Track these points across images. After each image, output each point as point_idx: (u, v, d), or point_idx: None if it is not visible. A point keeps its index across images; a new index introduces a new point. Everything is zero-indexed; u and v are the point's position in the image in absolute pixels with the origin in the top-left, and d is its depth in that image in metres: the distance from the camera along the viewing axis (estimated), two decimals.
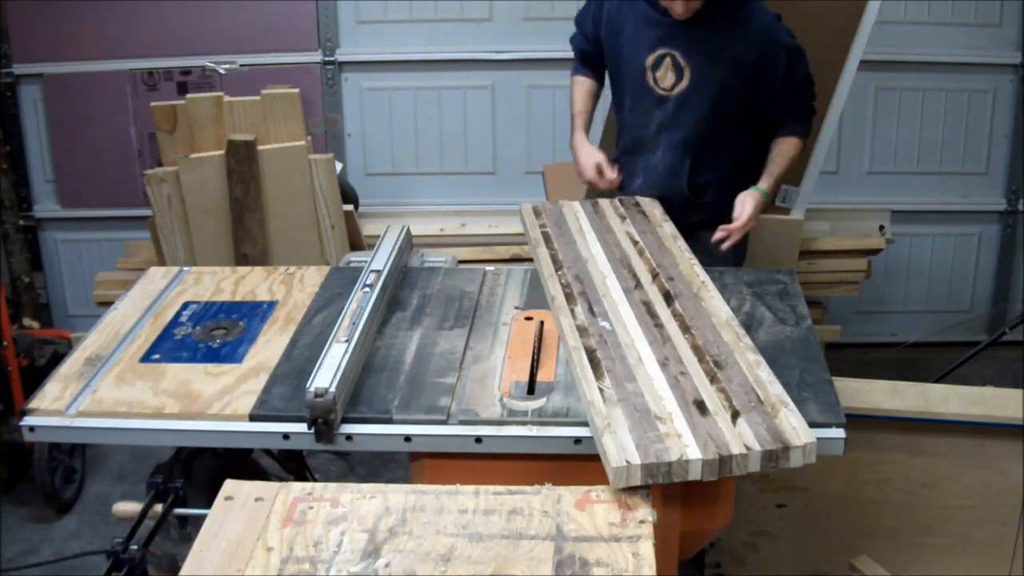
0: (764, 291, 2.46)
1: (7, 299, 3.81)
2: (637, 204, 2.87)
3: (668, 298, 2.32)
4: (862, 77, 3.78)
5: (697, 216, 2.99)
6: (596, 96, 3.20)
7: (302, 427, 2.01)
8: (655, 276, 2.42)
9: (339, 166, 3.88)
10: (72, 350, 2.34)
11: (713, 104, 2.91)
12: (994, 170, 4.52)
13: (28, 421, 2.11)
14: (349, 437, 2.03)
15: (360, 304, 2.30)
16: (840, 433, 1.95)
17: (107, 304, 2.91)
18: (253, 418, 2.06)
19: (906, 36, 4.30)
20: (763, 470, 1.83)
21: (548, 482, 1.83)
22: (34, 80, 4.39)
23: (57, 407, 2.11)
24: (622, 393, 1.98)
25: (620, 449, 1.82)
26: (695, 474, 1.80)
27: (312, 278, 2.64)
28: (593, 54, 3.13)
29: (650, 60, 2.93)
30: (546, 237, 2.67)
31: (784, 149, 3.00)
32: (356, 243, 3.76)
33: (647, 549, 1.66)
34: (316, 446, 2.03)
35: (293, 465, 2.79)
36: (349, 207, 3.75)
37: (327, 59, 4.37)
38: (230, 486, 1.84)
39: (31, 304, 4.47)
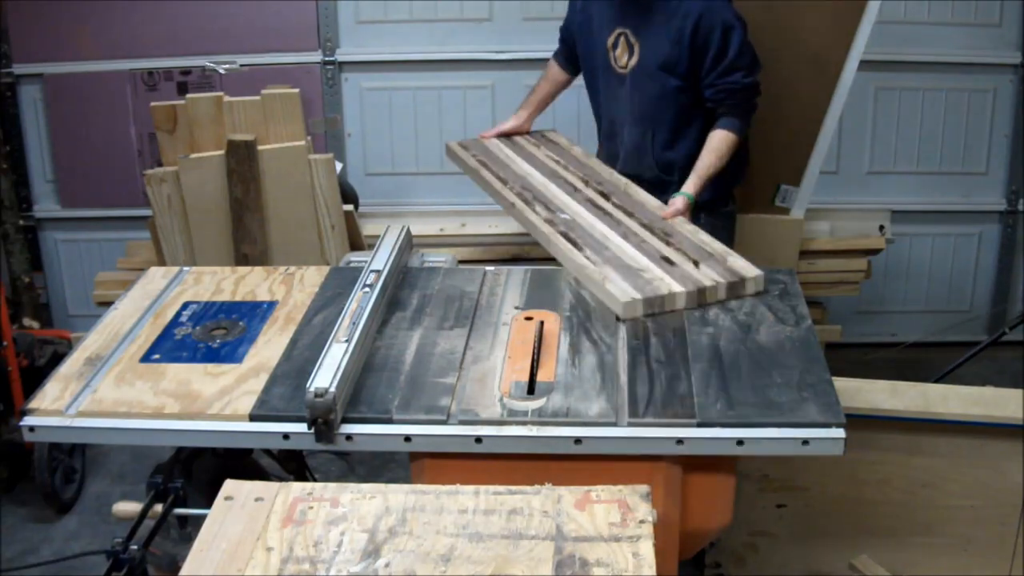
0: (764, 291, 2.45)
1: (7, 299, 3.81)
2: (544, 135, 3.38)
3: (605, 196, 2.82)
4: (862, 77, 3.77)
5: (667, 195, 3.01)
6: (558, 85, 3.44)
7: (302, 427, 2.01)
8: (586, 183, 2.93)
9: (339, 166, 3.88)
10: (72, 350, 2.34)
11: (659, 79, 3.00)
12: (994, 170, 4.52)
13: (28, 421, 2.11)
14: (349, 437, 2.03)
15: (360, 304, 2.30)
16: (840, 433, 1.95)
17: (107, 304, 2.91)
18: (253, 418, 2.06)
19: (906, 36, 4.30)
20: (728, 297, 2.36)
21: (548, 482, 1.83)
22: (34, 80, 4.39)
23: (57, 407, 2.11)
24: (604, 258, 2.48)
25: (623, 291, 2.32)
26: (681, 303, 2.32)
27: (312, 278, 2.64)
28: (568, 48, 3.35)
29: (610, 40, 3.08)
30: (482, 164, 3.15)
31: (714, 144, 3.00)
32: (356, 243, 3.76)
33: (647, 549, 1.66)
34: (316, 446, 2.03)
35: (293, 465, 2.79)
36: (349, 207, 3.75)
37: (327, 59, 4.37)
38: (230, 486, 1.84)
39: (31, 304, 4.48)
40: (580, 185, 2.93)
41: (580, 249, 2.54)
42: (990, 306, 4.68)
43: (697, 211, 3.06)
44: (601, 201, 2.81)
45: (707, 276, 2.38)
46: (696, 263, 2.44)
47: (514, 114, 3.52)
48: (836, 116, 3.62)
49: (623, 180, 2.93)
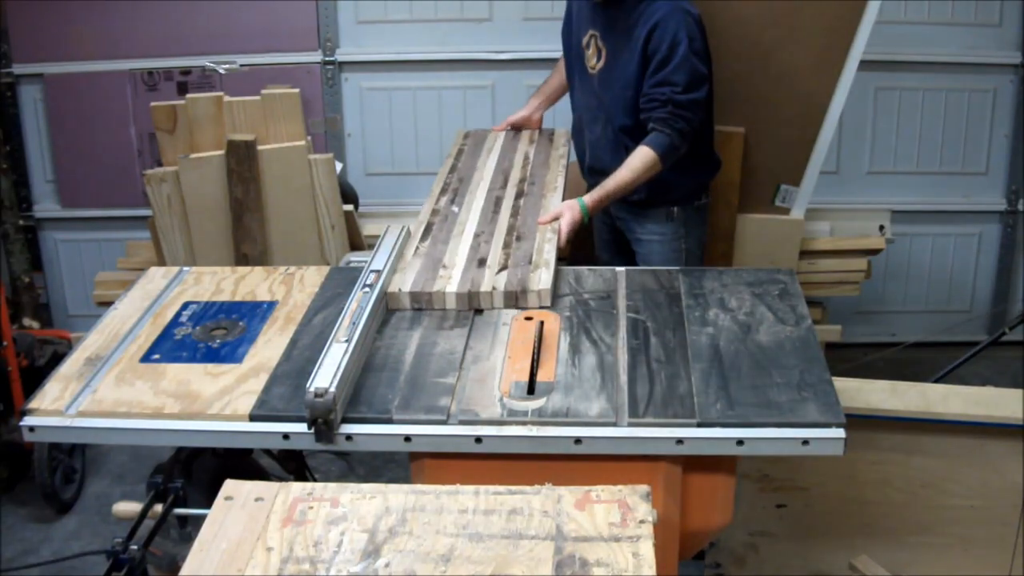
0: (764, 291, 2.45)
1: (7, 299, 3.81)
2: (551, 134, 3.43)
3: (519, 196, 2.92)
4: (862, 77, 3.77)
5: (638, 194, 3.04)
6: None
7: (302, 427, 2.01)
8: (522, 181, 3.04)
9: (339, 166, 3.88)
10: (72, 350, 2.34)
11: (623, 84, 3.00)
12: (994, 170, 4.52)
13: (28, 421, 2.11)
14: (349, 437, 2.03)
15: (360, 304, 2.30)
16: (840, 433, 1.95)
17: (107, 304, 2.91)
18: (253, 418, 2.06)
19: (906, 36, 4.30)
20: (506, 306, 2.38)
21: (548, 482, 1.83)
22: (34, 80, 4.39)
23: (57, 407, 2.11)
24: (431, 250, 2.60)
25: (400, 282, 2.44)
26: (451, 303, 2.39)
27: (312, 278, 2.64)
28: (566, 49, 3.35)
29: (585, 39, 3.11)
30: (459, 153, 3.32)
31: (631, 161, 2.89)
32: (356, 243, 3.76)
33: (647, 549, 1.66)
34: (316, 446, 2.03)
35: (293, 465, 2.79)
36: (349, 207, 3.75)
37: (327, 59, 4.37)
38: (230, 486, 1.84)
39: (31, 304, 4.47)
40: (513, 183, 3.03)
41: (422, 240, 2.67)
42: (990, 306, 4.68)
43: (670, 204, 3.13)
44: (506, 201, 2.90)
45: (494, 282, 2.42)
46: (503, 269, 2.48)
47: (526, 103, 3.55)
48: (836, 116, 3.62)
49: (555, 185, 2.99)
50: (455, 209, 2.86)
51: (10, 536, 3.58)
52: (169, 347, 2.32)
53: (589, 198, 2.90)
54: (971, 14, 4.31)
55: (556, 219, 2.78)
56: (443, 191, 3.01)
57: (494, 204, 2.89)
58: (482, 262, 2.53)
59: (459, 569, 1.63)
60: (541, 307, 2.37)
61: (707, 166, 3.23)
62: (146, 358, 2.27)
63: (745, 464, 2.86)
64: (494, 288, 2.39)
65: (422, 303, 2.39)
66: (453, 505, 1.76)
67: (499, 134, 3.46)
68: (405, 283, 2.43)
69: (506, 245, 2.62)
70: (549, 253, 2.57)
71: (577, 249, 3.45)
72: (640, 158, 2.89)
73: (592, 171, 3.20)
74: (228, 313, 2.47)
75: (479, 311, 2.40)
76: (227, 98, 3.56)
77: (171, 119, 3.55)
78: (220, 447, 2.37)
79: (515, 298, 2.38)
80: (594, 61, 3.09)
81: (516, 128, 3.50)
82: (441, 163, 3.26)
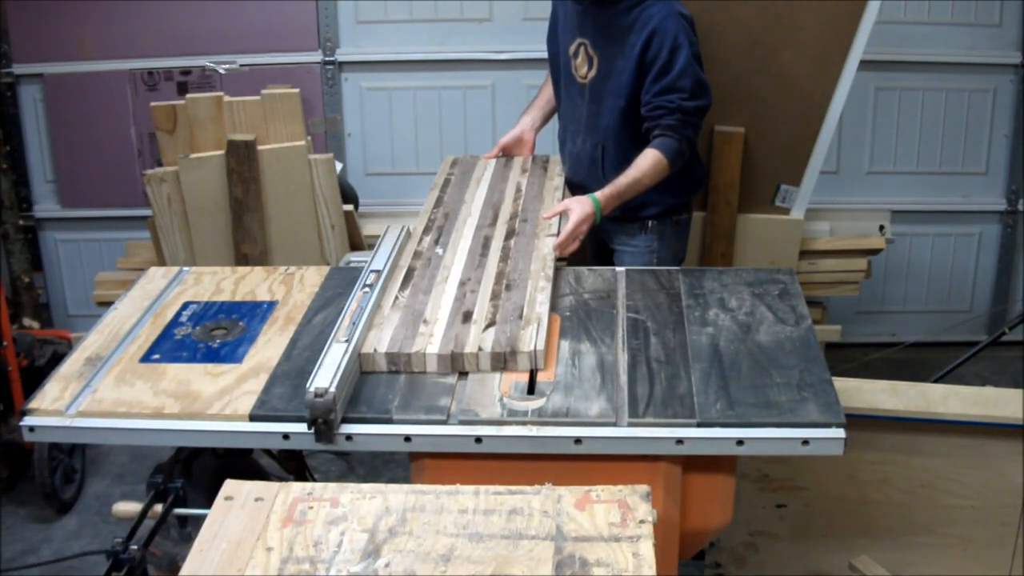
0: (764, 291, 2.46)
1: (7, 299, 3.81)
2: (545, 162, 3.18)
3: (510, 235, 2.67)
4: (862, 77, 3.77)
5: (615, 210, 2.96)
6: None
7: (302, 427, 2.01)
8: (513, 217, 2.78)
9: (339, 166, 3.88)
10: (72, 350, 2.34)
11: (617, 93, 2.92)
12: (994, 170, 4.52)
13: (28, 421, 2.11)
14: (349, 437, 2.03)
15: (360, 304, 2.30)
16: (840, 433, 1.95)
17: (107, 304, 2.91)
18: (253, 418, 2.06)
19: (906, 36, 4.30)
20: (494, 369, 2.13)
21: (548, 482, 1.83)
22: (34, 80, 4.39)
23: (57, 407, 2.11)
24: (411, 302, 2.36)
25: (376, 341, 2.19)
26: (431, 366, 2.14)
27: (312, 278, 2.64)
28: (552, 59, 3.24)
29: (572, 48, 3.03)
30: (446, 183, 3.06)
31: (640, 162, 2.84)
32: (356, 243, 3.76)
33: (647, 549, 1.66)
34: (316, 446, 2.03)
35: (293, 465, 2.79)
36: (349, 207, 3.75)
37: (327, 59, 4.37)
38: (230, 486, 1.84)
39: (31, 304, 4.47)
40: (503, 219, 2.77)
41: (402, 288, 2.42)
42: (990, 306, 4.68)
43: (647, 218, 3.04)
44: (495, 241, 2.64)
45: (480, 341, 2.17)
46: (491, 324, 2.24)
47: (517, 121, 3.35)
48: (836, 116, 3.62)
49: (553, 221, 2.72)
50: (439, 251, 2.62)
51: (10, 536, 3.58)
52: (169, 347, 2.32)
53: (602, 195, 2.80)
54: (971, 14, 4.31)
55: (561, 213, 2.73)
56: (427, 229, 2.75)
57: (482, 245, 2.64)
58: (467, 316, 2.28)
59: (459, 569, 1.63)
60: (533, 368, 2.13)
61: (688, 182, 3.12)
62: (146, 358, 2.27)
63: (745, 464, 2.86)
64: (480, 349, 2.15)
65: (400, 365, 2.15)
66: (453, 505, 1.76)
67: (489, 161, 3.22)
68: (381, 342, 2.18)
69: (494, 296, 2.36)
70: (542, 305, 2.32)
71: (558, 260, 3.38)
72: (650, 160, 2.83)
73: (571, 185, 3.08)
74: (228, 313, 2.47)
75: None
76: (227, 98, 3.56)
77: (171, 119, 3.55)
78: (220, 447, 2.37)
79: (503, 360, 2.14)
80: (584, 70, 2.99)
81: (508, 151, 3.25)
82: (441, 163, 3.25)
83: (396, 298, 2.38)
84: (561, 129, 3.21)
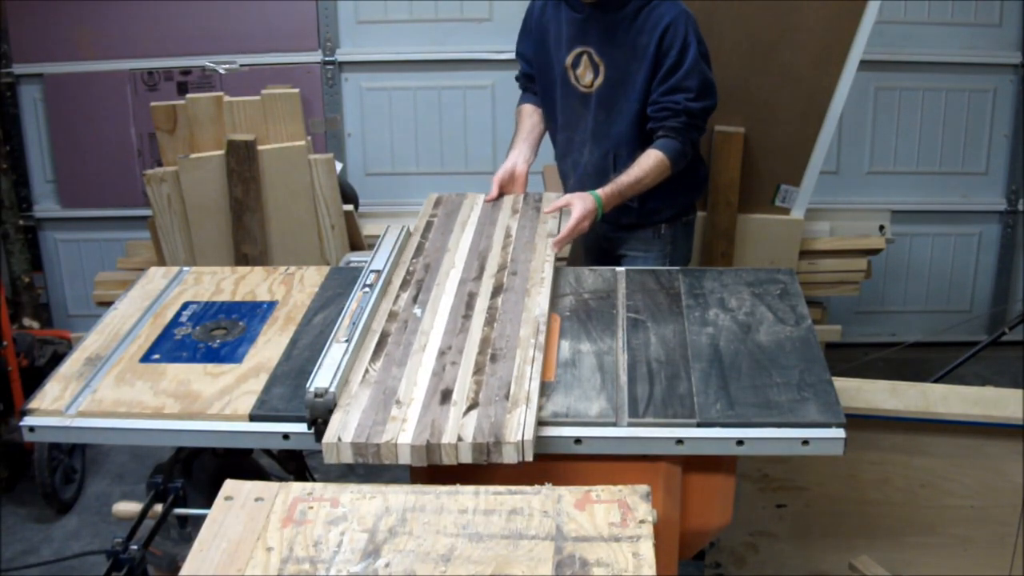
0: (764, 291, 2.45)
1: (7, 299, 3.81)
2: (538, 200, 2.90)
3: (497, 291, 2.39)
4: (862, 77, 3.78)
5: (628, 218, 2.98)
6: (540, 120, 3.14)
7: (302, 427, 2.01)
8: (501, 269, 2.50)
9: (339, 166, 3.88)
10: (72, 350, 2.34)
11: (628, 98, 2.89)
12: (994, 170, 4.53)
13: (28, 421, 2.11)
14: None
15: (360, 304, 2.30)
16: (840, 433, 1.95)
17: (107, 304, 2.91)
18: (253, 418, 2.06)
19: (906, 36, 4.30)
20: (475, 461, 1.87)
21: (548, 482, 1.83)
22: (34, 80, 4.39)
23: (57, 407, 2.11)
24: (383, 376, 2.07)
25: (341, 427, 1.92)
26: (404, 458, 1.87)
27: (312, 278, 2.64)
28: (533, 75, 3.14)
29: (569, 59, 2.94)
30: (428, 226, 2.77)
31: (643, 161, 2.83)
32: (356, 243, 3.76)
33: (647, 549, 1.66)
34: (316, 446, 2.03)
35: (293, 465, 2.78)
36: (349, 207, 3.75)
37: (327, 59, 4.37)
38: (230, 486, 1.84)
39: (31, 304, 4.48)
40: (490, 272, 2.48)
41: (374, 359, 2.14)
42: (990, 306, 4.68)
43: (660, 223, 3.03)
44: (480, 299, 2.36)
45: (459, 429, 1.89)
46: (473, 407, 1.95)
47: (507, 154, 3.10)
48: (836, 116, 3.62)
49: (543, 274, 2.46)
50: (417, 312, 2.32)
51: (10, 536, 3.58)
52: (169, 347, 2.32)
53: (603, 192, 2.78)
54: (971, 14, 4.31)
55: (563, 208, 2.72)
56: (404, 283, 2.46)
57: (465, 304, 2.34)
58: (446, 396, 1.99)
59: (459, 569, 1.63)
60: (521, 461, 1.88)
61: (695, 182, 3.11)
62: (146, 358, 2.27)
63: (745, 464, 2.86)
64: (459, 439, 1.87)
65: (367, 457, 1.88)
66: (453, 505, 1.76)
67: (476, 201, 2.92)
68: (347, 429, 1.91)
69: (478, 369, 2.08)
70: (533, 381, 2.03)
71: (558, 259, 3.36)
72: (653, 161, 2.83)
73: None
74: (228, 313, 2.47)
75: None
76: (227, 98, 3.57)
77: (171, 119, 3.55)
78: (220, 447, 2.37)
79: (486, 451, 1.87)
80: (589, 79, 2.93)
81: (502, 188, 2.99)
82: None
83: (367, 371, 2.09)
84: (563, 143, 3.09)
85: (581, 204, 2.73)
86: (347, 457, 1.86)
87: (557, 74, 3.00)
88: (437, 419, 1.92)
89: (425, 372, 2.08)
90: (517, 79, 3.25)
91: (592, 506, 1.76)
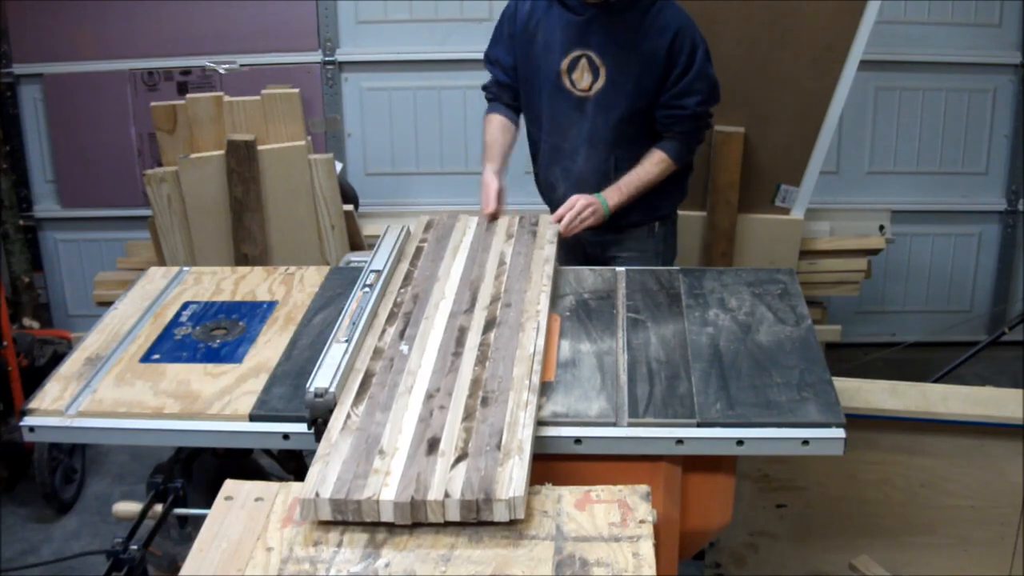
0: (764, 291, 2.45)
1: (7, 299, 3.81)
2: (534, 224, 2.75)
3: (489, 326, 2.23)
4: (862, 77, 3.78)
5: (628, 218, 2.97)
6: (512, 133, 3.07)
7: (302, 427, 2.01)
8: (494, 301, 2.34)
9: (339, 166, 3.88)
10: (72, 350, 2.34)
11: (631, 100, 2.88)
12: (994, 170, 4.53)
13: (28, 421, 2.11)
14: None
15: (360, 304, 2.30)
16: (840, 433, 1.95)
17: (107, 304, 2.91)
18: (253, 418, 2.06)
19: (906, 36, 4.30)
20: (464, 519, 1.72)
21: (548, 482, 1.83)
22: (34, 80, 4.39)
23: (57, 407, 2.11)
24: (366, 422, 1.92)
25: (319, 480, 1.76)
26: (387, 515, 1.72)
27: (312, 278, 2.64)
28: (512, 87, 3.06)
29: (565, 64, 2.90)
30: (417, 252, 2.61)
31: (646, 164, 2.89)
32: (356, 243, 3.76)
33: (647, 549, 1.66)
34: (316, 446, 2.03)
35: (293, 465, 2.79)
36: (349, 207, 3.76)
37: (327, 59, 4.37)
38: (230, 486, 1.84)
39: (31, 304, 4.48)
40: (482, 303, 2.33)
41: (356, 402, 1.99)
42: (990, 306, 4.69)
43: (655, 221, 3.04)
44: (471, 334, 2.21)
45: (446, 483, 1.75)
46: (462, 458, 1.81)
47: (484, 168, 2.99)
48: (836, 116, 3.62)
49: (539, 306, 2.31)
50: (404, 349, 2.16)
51: (10, 536, 3.58)
52: (169, 347, 2.32)
53: (608, 194, 2.83)
54: (971, 14, 4.31)
55: (570, 209, 2.75)
56: (391, 316, 2.30)
57: (456, 339, 2.19)
58: (433, 445, 1.84)
59: (459, 569, 1.63)
60: (512, 520, 1.73)
61: (685, 178, 3.12)
62: (146, 358, 2.27)
63: (745, 464, 2.86)
64: (447, 495, 1.72)
65: (347, 514, 1.73)
66: None
67: (469, 225, 2.75)
68: (325, 483, 1.76)
69: (467, 415, 1.93)
70: (526, 429, 1.88)
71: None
72: (658, 164, 2.88)
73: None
74: (228, 313, 2.47)
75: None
76: (227, 98, 3.57)
77: (171, 119, 3.56)
78: (220, 447, 2.37)
79: (475, 508, 1.72)
80: (588, 82, 2.89)
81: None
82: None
83: (348, 415, 1.95)
84: (549, 150, 3.02)
85: (587, 198, 2.77)
86: (325, 515, 1.73)
87: (546, 80, 2.94)
88: (423, 472, 1.78)
89: (411, 417, 1.93)
90: (486, 88, 3.14)
91: (592, 506, 1.76)
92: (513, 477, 1.75)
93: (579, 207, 2.80)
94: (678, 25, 2.82)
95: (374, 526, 1.72)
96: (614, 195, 2.87)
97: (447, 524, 1.72)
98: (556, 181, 3.04)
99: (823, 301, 4.11)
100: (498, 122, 3.05)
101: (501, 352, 2.13)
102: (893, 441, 2.86)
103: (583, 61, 2.89)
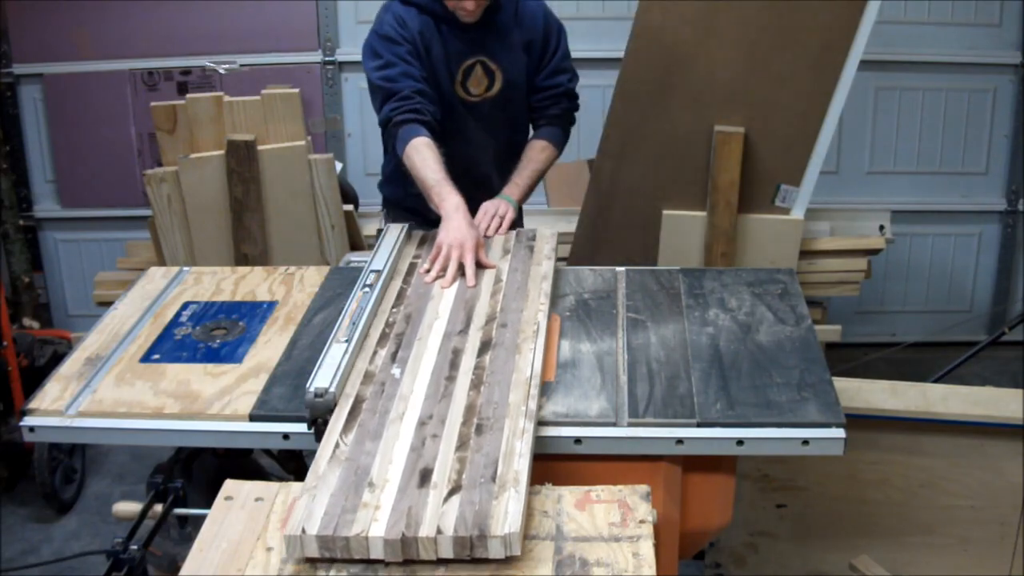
0: (764, 291, 2.45)
1: (7, 299, 3.81)
2: (532, 239, 2.67)
3: (485, 347, 2.17)
4: (862, 77, 3.77)
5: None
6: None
7: (302, 427, 2.01)
8: (490, 321, 2.27)
9: (339, 166, 3.88)
10: (72, 350, 2.34)
11: (522, 96, 2.98)
12: (994, 170, 4.53)
13: (28, 421, 2.11)
14: None
15: (360, 304, 2.30)
16: (840, 433, 1.95)
17: (107, 304, 2.91)
18: (253, 418, 2.06)
19: (906, 36, 4.30)
20: (457, 556, 1.65)
21: (548, 482, 1.83)
22: (34, 80, 4.39)
23: (57, 407, 2.11)
24: (355, 451, 1.85)
25: (306, 516, 1.69)
26: (376, 552, 1.65)
27: (312, 278, 2.64)
28: (431, 93, 2.85)
29: (460, 73, 2.90)
30: (411, 269, 2.55)
31: (533, 155, 2.95)
32: (356, 243, 3.76)
33: (647, 549, 1.66)
34: (316, 446, 2.03)
35: (293, 465, 2.79)
36: (349, 207, 3.75)
37: (327, 59, 4.37)
38: (230, 486, 1.84)
39: (31, 304, 4.48)
40: (477, 324, 2.26)
41: (346, 430, 1.92)
42: (990, 306, 4.69)
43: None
44: (466, 356, 2.14)
45: (439, 519, 1.67)
46: (455, 491, 1.73)
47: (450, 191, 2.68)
48: (836, 116, 3.62)
49: (536, 326, 2.24)
50: (396, 373, 2.09)
51: (10, 536, 3.58)
52: (169, 347, 2.32)
53: (511, 192, 2.88)
54: (971, 14, 4.31)
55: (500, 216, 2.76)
56: (383, 337, 2.23)
57: (450, 363, 2.11)
58: (425, 477, 1.77)
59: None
60: (508, 556, 1.65)
61: None
62: (146, 358, 2.27)
63: (745, 464, 2.86)
64: (439, 531, 1.65)
65: (335, 551, 1.66)
66: None
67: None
68: (312, 519, 1.68)
69: (461, 444, 1.85)
70: (523, 458, 1.81)
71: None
72: (542, 149, 2.96)
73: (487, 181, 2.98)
74: (228, 313, 2.47)
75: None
76: (227, 98, 3.56)
77: (171, 119, 3.55)
78: (220, 447, 2.37)
79: (469, 545, 1.64)
80: (483, 87, 2.91)
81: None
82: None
83: (337, 444, 1.88)
84: (464, 160, 2.86)
85: (495, 202, 2.79)
86: (312, 552, 1.65)
87: (444, 92, 2.88)
88: (414, 506, 1.70)
89: (402, 447, 1.86)
90: (395, 110, 2.78)
91: (592, 506, 1.76)
92: (509, 511, 1.68)
93: (492, 211, 2.77)
94: (543, 10, 2.96)
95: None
96: (514, 191, 2.90)
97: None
98: (470, 190, 2.78)
99: (823, 301, 4.11)
100: (434, 148, 2.71)
101: (496, 376, 2.06)
102: (893, 441, 2.86)
103: (478, 67, 2.92)
